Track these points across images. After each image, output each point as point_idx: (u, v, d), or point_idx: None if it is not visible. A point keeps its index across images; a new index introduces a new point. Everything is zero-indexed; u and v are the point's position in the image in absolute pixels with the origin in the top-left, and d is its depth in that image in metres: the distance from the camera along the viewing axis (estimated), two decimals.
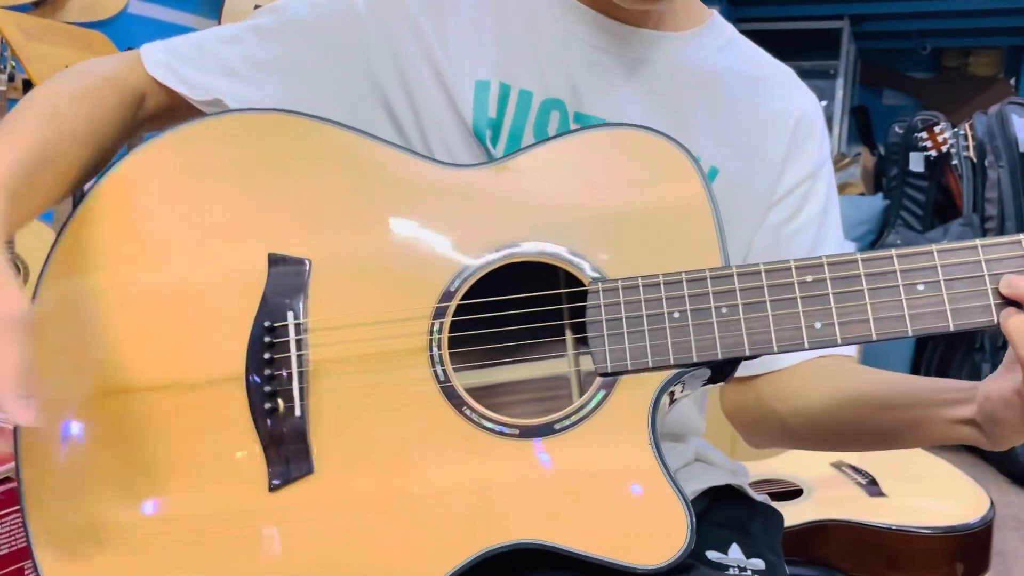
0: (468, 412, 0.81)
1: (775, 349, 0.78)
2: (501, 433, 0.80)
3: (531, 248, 0.84)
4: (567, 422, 0.80)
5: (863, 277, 0.78)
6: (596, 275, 0.82)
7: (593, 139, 0.87)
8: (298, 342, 0.84)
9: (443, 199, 0.87)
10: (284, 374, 0.83)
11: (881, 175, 3.76)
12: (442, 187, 0.87)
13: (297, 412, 0.82)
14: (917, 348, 3.39)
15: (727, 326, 0.79)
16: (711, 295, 0.80)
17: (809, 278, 0.79)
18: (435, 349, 0.83)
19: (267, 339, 0.84)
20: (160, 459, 0.83)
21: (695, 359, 0.79)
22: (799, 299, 0.78)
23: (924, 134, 3.22)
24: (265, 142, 0.89)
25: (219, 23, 3.64)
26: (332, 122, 0.89)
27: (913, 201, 3.37)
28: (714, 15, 0.98)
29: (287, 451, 0.82)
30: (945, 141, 3.05)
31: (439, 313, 0.83)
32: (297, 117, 0.90)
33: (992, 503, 1.76)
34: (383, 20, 0.94)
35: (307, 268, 0.86)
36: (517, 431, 0.80)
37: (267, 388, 0.82)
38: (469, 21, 0.94)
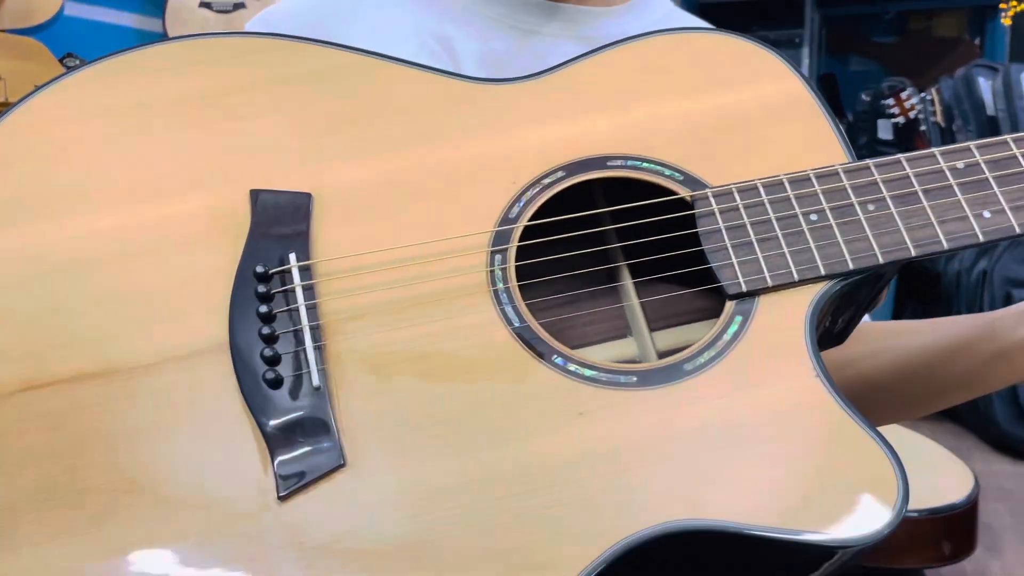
0: (560, 361, 0.57)
1: (944, 245, 0.61)
2: (613, 383, 0.57)
3: (611, 162, 0.65)
4: (700, 360, 0.58)
5: (1020, 158, 0.63)
6: (700, 188, 0.64)
7: (656, 45, 0.71)
8: (306, 292, 0.59)
9: (484, 113, 0.67)
10: (289, 332, 0.57)
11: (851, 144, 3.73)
12: (480, 100, 0.67)
13: (314, 381, 0.56)
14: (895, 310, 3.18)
15: (879, 223, 0.62)
16: (849, 190, 0.63)
17: (960, 164, 0.63)
18: (499, 284, 0.60)
19: (260, 288, 0.58)
20: (113, 470, 0.54)
21: (850, 265, 0.60)
22: (955, 186, 0.62)
23: (891, 100, 3.13)
24: (234, 68, 0.67)
25: (163, 22, 3.33)
26: (318, 42, 0.69)
27: None
28: None
29: (301, 439, 0.54)
30: (913, 107, 3.03)
31: (499, 240, 0.61)
32: (272, 39, 0.70)
33: (976, 479, 1.67)
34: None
35: (308, 202, 0.62)
36: (634, 378, 0.57)
37: (266, 352, 0.56)
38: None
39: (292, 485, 0.53)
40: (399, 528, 0.52)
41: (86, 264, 0.60)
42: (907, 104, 3.12)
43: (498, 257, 0.61)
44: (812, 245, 0.61)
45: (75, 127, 0.64)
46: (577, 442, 0.55)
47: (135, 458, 0.54)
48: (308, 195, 0.63)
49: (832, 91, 3.88)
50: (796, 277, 0.60)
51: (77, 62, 2.93)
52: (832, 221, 0.62)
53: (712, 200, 0.63)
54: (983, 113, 2.70)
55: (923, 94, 3.02)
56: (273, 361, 0.56)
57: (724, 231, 0.62)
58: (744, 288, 0.60)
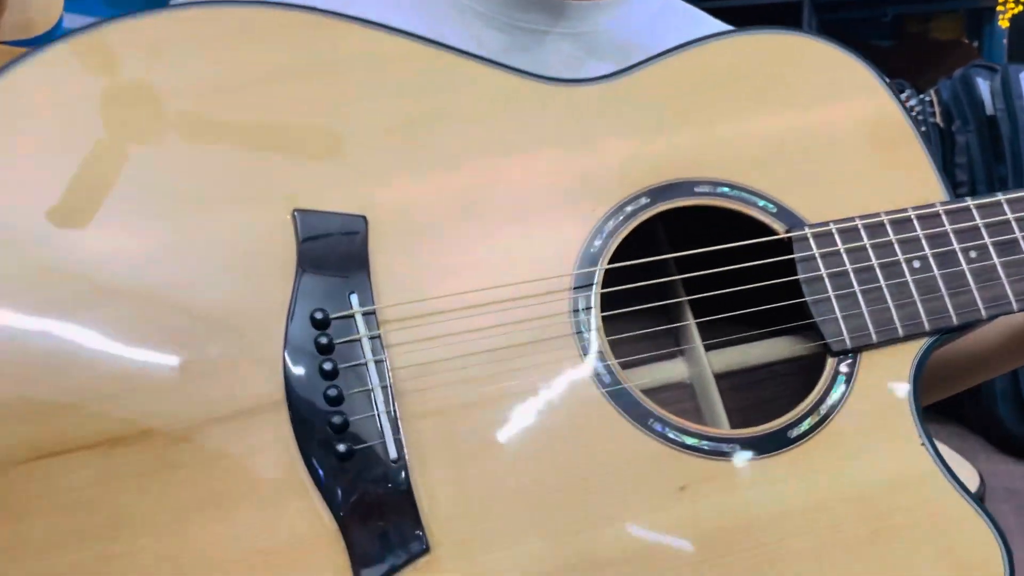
0: (659, 427, 0.52)
1: None
2: (715, 453, 0.52)
3: (699, 188, 0.58)
4: (804, 426, 0.54)
5: None
6: (795, 222, 0.58)
7: (740, 46, 0.64)
8: (372, 343, 0.51)
9: (558, 121, 0.59)
10: (358, 393, 0.50)
11: None
12: (551, 105, 0.59)
13: (391, 452, 0.49)
14: None
15: (982, 274, 0.58)
16: (951, 236, 0.58)
17: None
18: (585, 333, 0.53)
19: (320, 338, 0.50)
20: (153, 560, 0.46)
21: (955, 321, 0.56)
22: None
23: None
24: (269, 48, 0.56)
25: None
26: (363, 21, 0.59)
27: None
28: None
29: (379, 520, 0.48)
30: (912, 109, 3.06)
31: (581, 282, 0.55)
32: (310, 13, 0.58)
33: (982, 479, 1.67)
34: None
35: (363, 228, 0.53)
36: (737, 447, 0.52)
37: (334, 419, 0.48)
38: None
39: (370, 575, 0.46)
40: None
41: (99, 299, 0.50)
42: (907, 106, 3.06)
43: (581, 301, 0.54)
44: (917, 299, 0.57)
45: (60, 113, 0.53)
46: (679, 520, 0.50)
47: (181, 544, 0.46)
48: (363, 218, 0.54)
49: None
50: (901, 334, 0.56)
51: None
52: (936, 271, 0.58)
53: (812, 242, 0.57)
54: (982, 113, 2.71)
55: (922, 96, 2.99)
56: (341, 429, 0.48)
57: (827, 280, 0.57)
58: (849, 345, 0.55)
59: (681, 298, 0.61)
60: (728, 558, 0.50)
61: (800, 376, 0.61)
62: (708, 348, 0.63)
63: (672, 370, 0.63)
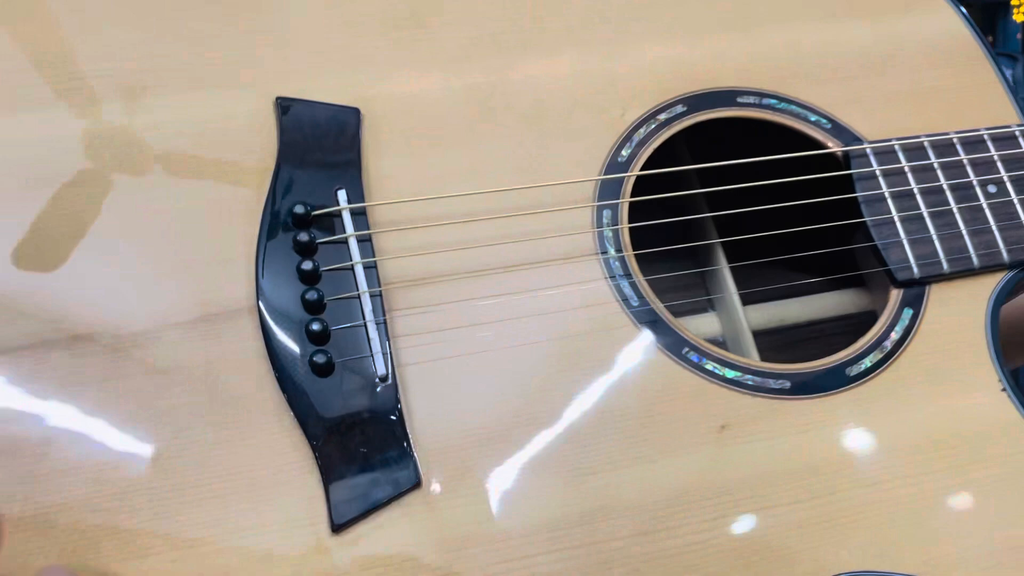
0: (695, 357, 0.44)
1: None
2: (760, 389, 0.44)
3: (742, 98, 0.51)
4: (866, 363, 0.46)
5: None
6: (852, 140, 0.51)
7: None
8: (362, 246, 0.43)
9: (583, 18, 0.52)
10: (341, 300, 0.42)
11: None
12: (576, 1, 0.52)
13: (379, 369, 0.41)
14: None
15: None
16: None
17: None
18: (610, 250, 0.46)
19: (300, 236, 0.42)
20: (85, 479, 0.38)
21: None
22: None
23: None
24: None
25: None
26: None
27: None
28: None
29: (362, 447, 0.40)
30: None
31: (607, 192, 0.47)
32: None
33: None
34: None
35: (356, 120, 0.46)
36: (787, 383, 0.44)
37: (312, 326, 0.41)
38: None
39: (352, 512, 0.38)
40: (488, 572, 0.39)
41: (45, 177, 0.43)
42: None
43: (607, 214, 0.47)
44: (993, 226, 0.49)
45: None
46: (718, 465, 0.42)
47: (114, 464, 0.38)
48: (356, 110, 0.46)
49: None
50: (976, 264, 0.48)
51: None
52: (1013, 196, 0.50)
53: (872, 158, 0.50)
54: None
55: None
56: (320, 338, 0.41)
57: (890, 200, 0.49)
58: (917, 274, 0.47)
59: (714, 240, 0.54)
60: (775, 511, 0.41)
61: (848, 337, 0.53)
62: (745, 302, 0.55)
63: (704, 325, 0.55)
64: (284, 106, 0.46)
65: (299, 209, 0.43)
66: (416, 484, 0.39)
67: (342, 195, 0.44)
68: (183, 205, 0.43)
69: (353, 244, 0.43)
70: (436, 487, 0.40)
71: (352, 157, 0.45)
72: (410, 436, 0.40)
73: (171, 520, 0.38)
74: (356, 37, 0.48)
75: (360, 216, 0.44)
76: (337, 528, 0.38)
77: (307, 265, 0.42)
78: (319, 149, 0.45)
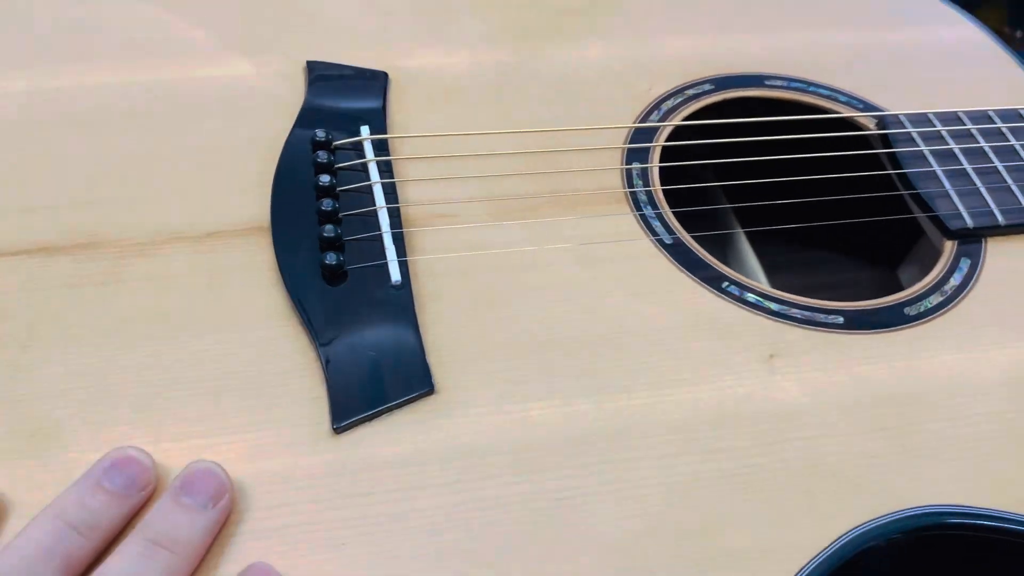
0: (735, 289, 0.41)
1: None
2: (811, 322, 0.40)
3: (770, 81, 0.51)
4: (927, 304, 0.42)
5: None
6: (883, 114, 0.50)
7: None
8: (382, 170, 0.42)
9: (605, 16, 0.53)
10: (358, 216, 0.40)
11: None
12: (602, 3, 0.54)
13: (392, 276, 0.38)
14: None
15: None
16: None
17: None
18: (639, 185, 0.44)
19: (319, 157, 0.42)
20: (71, 374, 0.35)
21: None
22: None
23: None
24: None
25: None
26: None
27: None
28: None
29: (370, 352, 0.36)
30: None
31: (637, 155, 0.46)
32: None
33: None
34: None
35: (384, 81, 0.47)
36: (840, 319, 0.40)
37: (325, 232, 0.39)
38: None
39: (355, 413, 0.34)
40: (507, 489, 0.33)
41: (83, 120, 0.43)
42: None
43: (637, 158, 0.45)
44: None
45: None
46: (769, 391, 0.37)
47: (105, 360, 0.35)
48: (384, 73, 0.47)
49: None
50: None
51: None
52: None
53: (908, 124, 0.48)
54: None
55: None
56: (333, 245, 0.38)
57: (931, 157, 0.47)
58: (970, 223, 0.44)
59: (742, 205, 0.52)
60: (841, 436, 0.36)
61: None
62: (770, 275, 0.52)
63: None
64: (313, 67, 0.46)
65: (320, 135, 0.42)
66: (428, 391, 0.35)
67: (364, 129, 0.43)
68: (205, 138, 0.43)
69: (372, 167, 0.42)
70: (451, 395, 0.35)
71: (376, 105, 0.45)
72: (424, 342, 0.36)
73: (155, 414, 0.34)
74: (387, 20, 0.50)
75: (382, 148, 0.43)
76: (339, 428, 0.34)
77: (324, 179, 0.40)
78: (345, 98, 0.45)
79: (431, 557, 0.32)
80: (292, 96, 0.46)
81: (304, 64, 0.47)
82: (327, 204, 0.39)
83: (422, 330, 0.37)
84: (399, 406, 0.35)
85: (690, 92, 0.50)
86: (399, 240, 0.39)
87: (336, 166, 0.42)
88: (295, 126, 0.43)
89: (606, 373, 0.37)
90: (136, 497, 0.31)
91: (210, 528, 0.31)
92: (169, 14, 0.48)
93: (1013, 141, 0.48)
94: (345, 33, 0.49)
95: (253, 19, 0.49)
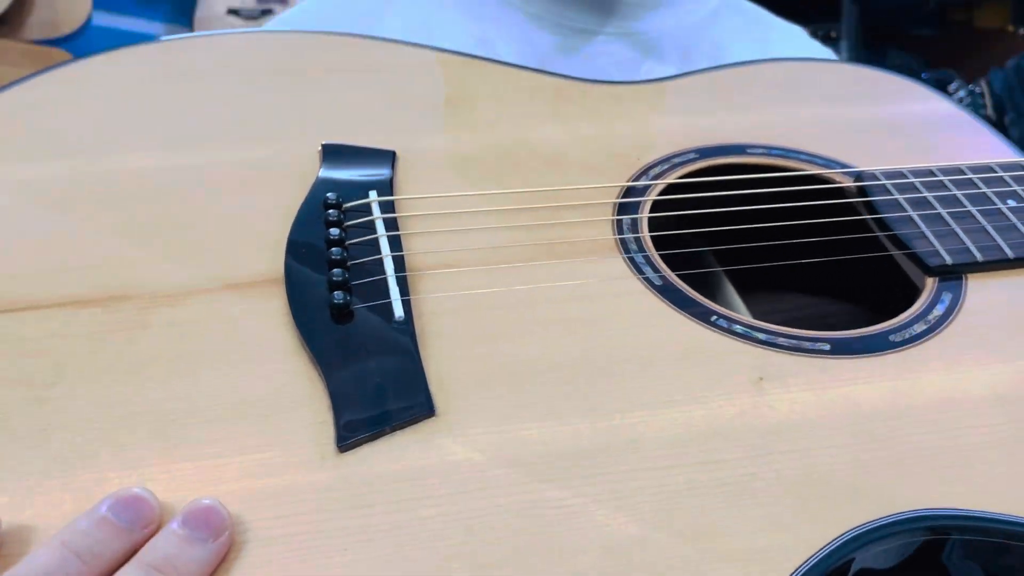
0: (723, 322, 0.43)
1: None
2: (798, 349, 0.42)
3: (752, 150, 0.55)
4: (910, 332, 0.44)
5: None
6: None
7: (777, 67, 0.64)
8: (388, 224, 0.46)
9: (593, 105, 0.58)
10: (364, 262, 0.43)
11: None
12: (582, 96, 0.59)
13: (397, 313, 0.41)
14: None
15: None
16: None
17: None
18: (628, 234, 0.47)
19: (330, 215, 0.45)
20: (96, 408, 0.37)
21: None
22: None
23: None
24: (317, 52, 0.60)
25: (191, 31, 3.02)
26: (387, 40, 0.62)
27: None
28: None
29: (377, 379, 0.38)
30: (960, 100, 2.75)
31: (627, 208, 0.49)
32: (342, 36, 0.62)
33: None
34: None
35: (392, 156, 0.51)
36: (826, 346, 0.42)
37: (334, 276, 0.42)
38: None
39: (360, 433, 0.36)
40: (506, 499, 0.35)
41: (119, 196, 0.47)
42: (955, 97, 2.68)
43: (626, 212, 0.48)
44: (1019, 223, 0.49)
45: (156, 81, 0.54)
46: (759, 410, 0.39)
47: (128, 394, 0.37)
48: (392, 152, 0.51)
49: None
50: (1011, 254, 0.47)
51: None
52: None
53: (882, 176, 0.51)
54: None
55: (971, 87, 2.67)
56: (341, 287, 0.41)
57: (906, 204, 0.50)
58: (948, 260, 0.47)
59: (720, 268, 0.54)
60: (832, 448, 0.37)
61: None
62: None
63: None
64: (328, 148, 0.51)
65: (331, 197, 0.46)
66: (429, 413, 0.37)
67: (372, 193, 0.47)
68: (225, 207, 0.47)
69: (380, 223, 0.45)
70: (451, 418, 0.37)
71: (385, 176, 0.49)
72: (425, 370, 0.39)
73: (173, 438, 0.36)
74: (398, 112, 0.55)
75: (388, 208, 0.47)
76: (343, 447, 0.36)
77: (334, 232, 0.44)
78: (356, 170, 0.49)
79: (432, 562, 0.32)
80: (308, 173, 0.50)
81: (320, 146, 0.51)
82: (336, 253, 0.43)
83: (424, 361, 0.39)
84: (401, 427, 0.37)
85: (676, 160, 0.53)
86: (402, 283, 0.42)
87: (345, 224, 0.45)
88: (309, 193, 0.47)
89: (600, 396, 0.39)
90: (139, 533, 0.32)
91: (209, 560, 0.32)
92: (196, 107, 0.53)
93: (985, 188, 0.51)
94: (359, 122, 0.54)
95: (273, 110, 0.54)
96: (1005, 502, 0.36)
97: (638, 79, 0.61)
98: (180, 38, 0.59)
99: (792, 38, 0.77)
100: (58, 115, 0.51)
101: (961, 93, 2.65)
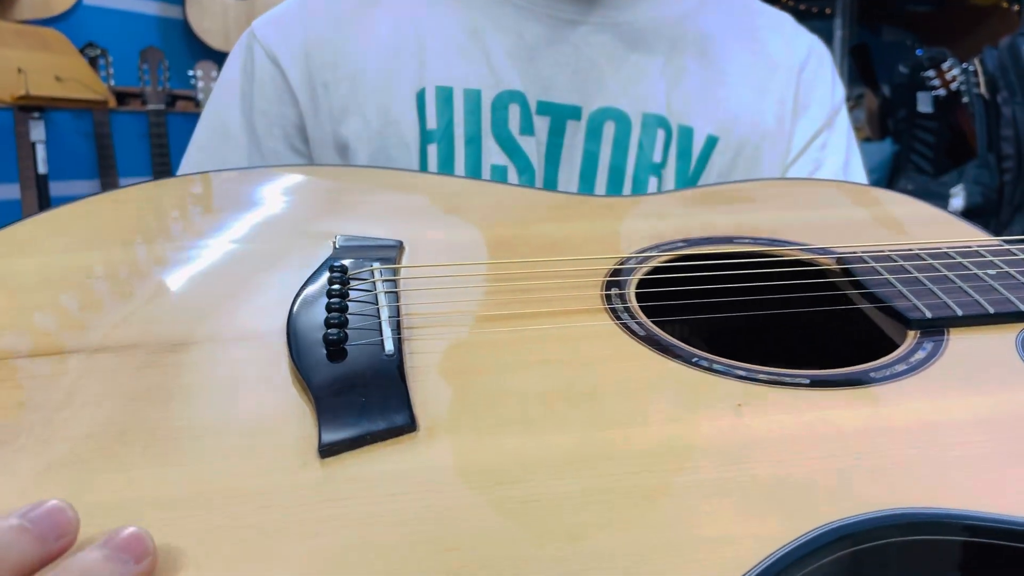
0: (704, 363, 0.45)
1: None
2: (777, 383, 0.43)
3: (738, 240, 0.58)
4: (891, 371, 0.44)
5: None
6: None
7: (760, 185, 0.69)
8: (387, 286, 0.49)
9: (585, 211, 0.63)
10: (362, 315, 0.47)
11: (886, 117, 3.10)
12: (572, 205, 0.64)
13: (387, 347, 0.43)
14: None
15: None
16: None
17: None
18: (617, 304, 0.50)
19: (334, 279, 0.49)
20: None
21: None
22: None
23: (932, 72, 2.73)
24: (328, 181, 0.66)
25: (183, 10, 2.95)
26: (391, 169, 0.69)
27: (924, 144, 2.79)
28: None
29: (361, 396, 0.40)
30: (954, 79, 2.62)
31: (614, 284, 0.52)
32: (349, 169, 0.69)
33: None
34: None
35: (398, 245, 0.56)
36: (805, 380, 0.43)
37: (331, 318, 0.45)
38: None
39: (341, 437, 0.37)
40: (481, 496, 0.35)
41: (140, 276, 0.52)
42: (948, 76, 2.72)
43: (612, 293, 0.51)
44: (998, 286, 0.50)
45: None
46: (738, 430, 0.39)
47: (123, 419, 0.40)
48: (399, 241, 0.56)
49: (865, 63, 3.32)
50: (990, 309, 0.48)
51: (98, 52, 2.60)
52: (1012, 270, 0.52)
53: (865, 256, 0.54)
54: None
55: (965, 65, 2.68)
56: (336, 326, 0.44)
57: (884, 271, 0.52)
58: (928, 314, 0.48)
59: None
60: (810, 460, 0.38)
61: None
62: None
63: None
64: (339, 238, 0.56)
65: (336, 264, 0.50)
66: (411, 427, 0.39)
67: (376, 263, 0.51)
68: (238, 288, 0.51)
69: (380, 285, 0.49)
70: (433, 432, 0.39)
71: (391, 256, 0.53)
72: (409, 391, 0.40)
73: (168, 449, 0.38)
74: (406, 215, 0.60)
75: (390, 278, 0.50)
76: (324, 451, 0.37)
77: (335, 287, 0.47)
78: (363, 253, 0.53)
79: (403, 546, 0.33)
80: (319, 259, 0.54)
81: (333, 239, 0.56)
82: (336, 303, 0.46)
83: (410, 389, 0.41)
84: (383, 437, 0.38)
85: (665, 247, 0.57)
86: (395, 324, 0.45)
87: (349, 282, 0.48)
88: (318, 268, 0.51)
89: (578, 417, 0.40)
90: (52, 544, 0.31)
91: None
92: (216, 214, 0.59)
93: (963, 259, 0.53)
94: (369, 223, 0.59)
95: (285, 212, 0.59)
96: (996, 507, 0.35)
97: (626, 72, 0.64)
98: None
99: (780, 25, 0.81)
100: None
101: (955, 71, 2.69)
